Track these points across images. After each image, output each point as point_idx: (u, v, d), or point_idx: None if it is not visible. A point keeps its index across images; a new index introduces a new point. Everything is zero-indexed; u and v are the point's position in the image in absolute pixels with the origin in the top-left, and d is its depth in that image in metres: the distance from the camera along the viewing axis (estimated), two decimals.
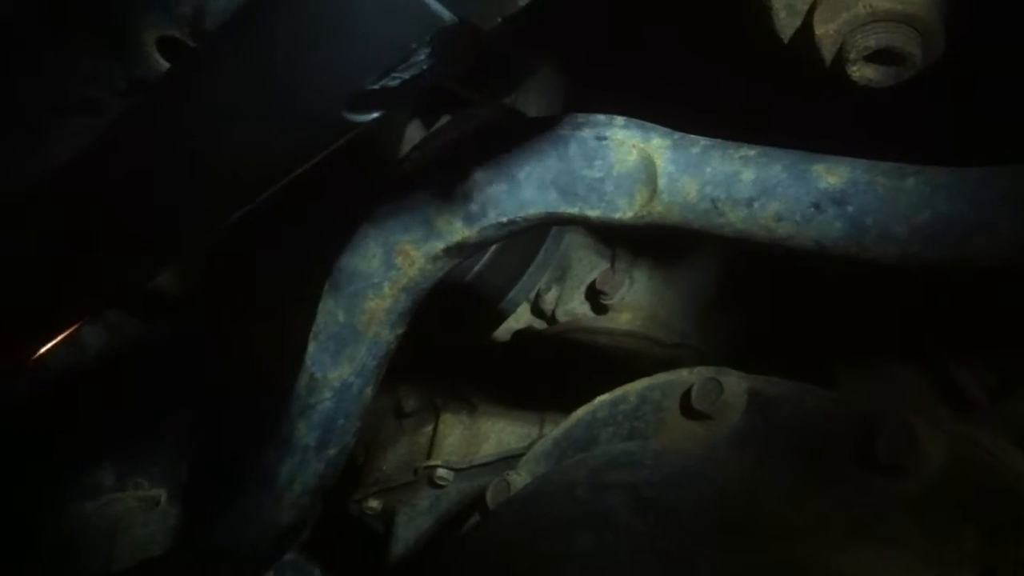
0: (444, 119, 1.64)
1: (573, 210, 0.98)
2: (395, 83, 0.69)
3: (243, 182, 0.80)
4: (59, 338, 0.97)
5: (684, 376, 1.03)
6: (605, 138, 0.96)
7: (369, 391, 1.13)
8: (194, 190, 0.82)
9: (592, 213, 0.97)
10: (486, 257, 1.58)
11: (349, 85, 0.70)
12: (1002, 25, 0.93)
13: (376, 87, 0.69)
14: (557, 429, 1.12)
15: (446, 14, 0.65)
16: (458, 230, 1.03)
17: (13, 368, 1.10)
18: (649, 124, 0.96)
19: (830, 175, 0.86)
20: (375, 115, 0.73)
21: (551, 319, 1.64)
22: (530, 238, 1.63)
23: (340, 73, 0.69)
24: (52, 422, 1.64)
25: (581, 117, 0.99)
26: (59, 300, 0.95)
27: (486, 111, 1.60)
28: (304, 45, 0.69)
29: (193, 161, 0.79)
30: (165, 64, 0.92)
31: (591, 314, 1.61)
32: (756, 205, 0.88)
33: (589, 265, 1.62)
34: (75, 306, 0.96)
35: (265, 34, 0.72)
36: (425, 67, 0.69)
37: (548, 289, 1.63)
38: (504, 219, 1.00)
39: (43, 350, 0.98)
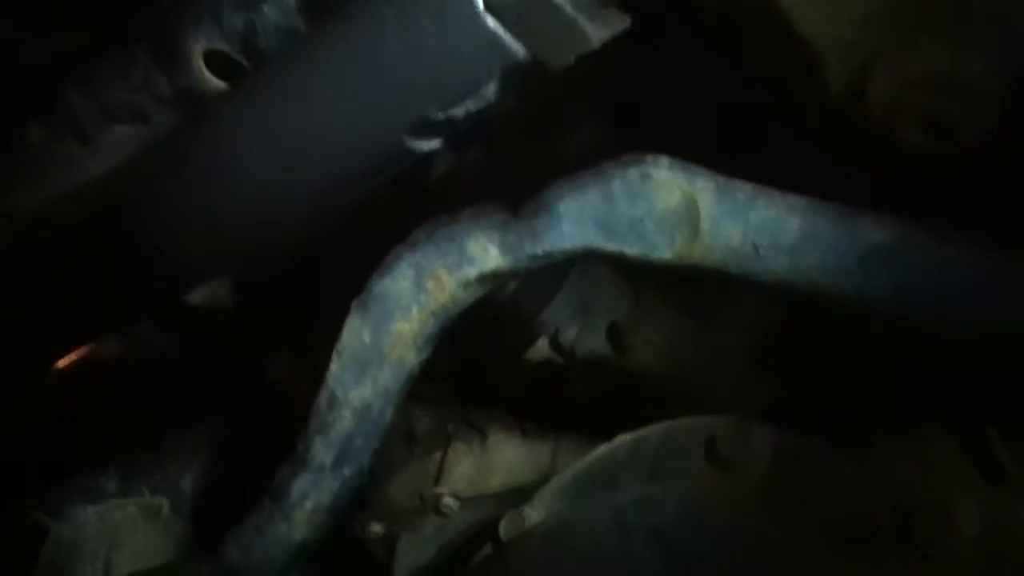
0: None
1: (612, 246, 0.97)
2: (461, 114, 0.69)
3: (302, 203, 0.80)
4: (79, 350, 0.96)
5: (709, 422, 1.01)
6: (649, 177, 0.95)
7: (389, 413, 1.12)
8: (252, 209, 0.81)
9: (631, 251, 0.96)
10: (509, 286, 1.57)
11: (417, 112, 0.69)
12: None
13: (442, 117, 0.69)
14: (576, 465, 1.10)
15: (521, 50, 0.65)
16: (493, 258, 1.02)
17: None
18: (695, 166, 0.95)
19: (877, 231, 0.85)
20: (435, 145, 0.73)
21: (570, 354, 1.62)
22: (555, 270, 1.62)
23: (410, 99, 0.69)
24: (57, 422, 1.63)
25: (626, 155, 0.98)
26: (89, 311, 0.94)
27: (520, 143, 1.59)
28: (376, 69, 0.69)
29: (254, 180, 0.79)
30: (211, 77, 0.92)
31: (611, 352, 1.60)
32: (799, 254, 0.87)
33: (613, 303, 1.61)
34: (107, 316, 0.96)
35: (338, 56, 0.71)
36: (492, 100, 0.69)
37: (569, 324, 1.62)
38: (540, 251, 1.00)
39: (62, 362, 0.97)
